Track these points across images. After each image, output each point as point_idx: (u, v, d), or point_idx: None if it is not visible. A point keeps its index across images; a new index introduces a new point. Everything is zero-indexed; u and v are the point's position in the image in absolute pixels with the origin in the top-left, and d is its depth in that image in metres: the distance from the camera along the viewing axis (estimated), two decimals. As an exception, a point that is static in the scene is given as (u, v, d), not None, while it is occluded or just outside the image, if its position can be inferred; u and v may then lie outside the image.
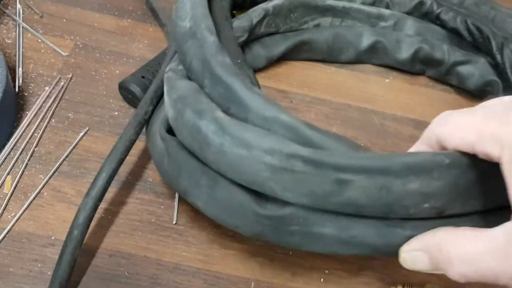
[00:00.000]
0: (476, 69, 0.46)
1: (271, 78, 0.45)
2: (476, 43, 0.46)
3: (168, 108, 0.30)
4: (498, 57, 0.43)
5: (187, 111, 0.27)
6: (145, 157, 0.35)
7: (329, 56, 0.47)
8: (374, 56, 0.48)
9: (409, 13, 0.48)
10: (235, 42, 0.36)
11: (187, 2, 0.33)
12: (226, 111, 0.27)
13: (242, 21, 0.40)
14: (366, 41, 0.46)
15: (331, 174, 0.23)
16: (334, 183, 0.23)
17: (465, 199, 0.24)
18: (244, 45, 0.42)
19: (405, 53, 0.47)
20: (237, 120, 0.26)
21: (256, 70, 0.44)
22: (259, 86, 0.35)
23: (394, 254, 0.25)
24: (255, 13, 0.41)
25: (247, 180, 0.25)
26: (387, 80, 0.48)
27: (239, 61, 0.33)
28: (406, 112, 0.45)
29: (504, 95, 0.43)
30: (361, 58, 0.48)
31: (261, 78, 0.44)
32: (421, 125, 0.44)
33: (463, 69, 0.46)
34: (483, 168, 0.23)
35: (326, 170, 0.23)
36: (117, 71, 0.41)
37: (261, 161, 0.24)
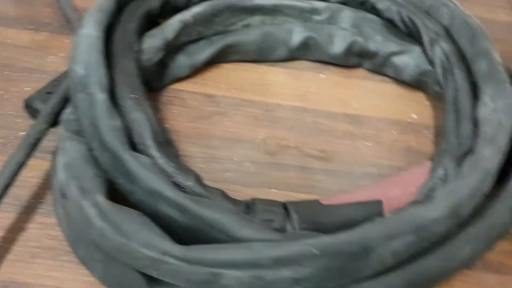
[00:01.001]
0: (411, 59, 0.44)
1: (198, 83, 0.43)
2: (410, 34, 0.44)
3: (59, 170, 0.29)
4: (430, 53, 0.42)
5: (72, 186, 0.27)
6: (48, 177, 0.33)
7: (260, 56, 0.45)
8: (307, 53, 0.46)
9: (345, 2, 0.46)
10: (134, 75, 0.33)
11: (82, 42, 0.32)
12: (113, 180, 0.27)
13: (155, 40, 0.38)
14: (296, 38, 0.45)
15: (204, 268, 0.24)
16: (208, 275, 0.24)
17: (340, 277, 0.25)
18: (166, 56, 0.40)
19: (338, 47, 0.45)
20: (117, 206, 0.26)
21: (181, 78, 0.42)
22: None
23: None
24: (169, 27, 0.39)
25: (132, 265, 0.25)
26: (322, 76, 0.46)
27: (135, 96, 0.32)
28: (341, 108, 0.43)
29: (440, 86, 0.41)
30: (294, 55, 0.46)
31: (187, 83, 0.43)
32: (356, 120, 0.43)
33: (398, 60, 0.44)
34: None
35: (198, 265, 0.24)
36: (29, 88, 0.39)
37: (139, 251, 0.24)
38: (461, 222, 0.28)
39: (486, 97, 0.35)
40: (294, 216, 0.30)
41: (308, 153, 0.39)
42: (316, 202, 0.32)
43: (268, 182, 0.37)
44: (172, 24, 0.38)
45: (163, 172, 0.28)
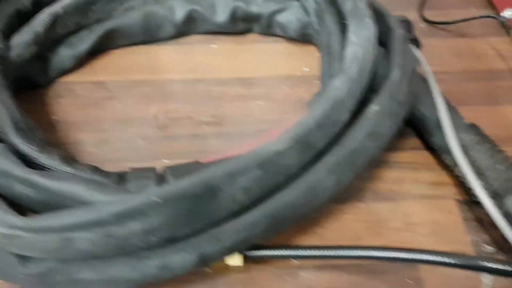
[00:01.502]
0: (292, 15, 0.45)
1: (87, 72, 0.43)
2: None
3: None
4: (305, 4, 0.43)
5: None
6: None
7: (147, 37, 0.46)
8: (194, 26, 0.46)
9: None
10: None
11: None
12: None
13: (23, 35, 0.38)
14: (179, 13, 0.45)
15: (54, 235, 0.24)
16: (60, 241, 0.24)
17: (192, 221, 0.26)
18: (43, 50, 0.40)
19: (222, 15, 0.46)
20: None
21: (68, 70, 0.43)
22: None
23: (153, 281, 0.27)
24: (38, 21, 0.38)
25: None
26: (213, 46, 0.47)
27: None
28: (232, 73, 0.44)
29: (320, 36, 0.42)
30: (182, 31, 0.46)
31: (76, 74, 0.43)
32: (248, 82, 0.43)
33: (281, 18, 0.45)
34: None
35: (47, 233, 0.24)
36: None
37: None
38: (317, 153, 0.29)
39: (351, 34, 0.36)
40: (170, 178, 0.31)
41: (200, 121, 0.40)
42: (196, 163, 0.33)
43: (159, 154, 0.37)
44: (41, 18, 0.39)
45: (21, 156, 0.28)
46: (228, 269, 0.31)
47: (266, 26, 0.46)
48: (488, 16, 0.48)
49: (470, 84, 0.44)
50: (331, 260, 0.32)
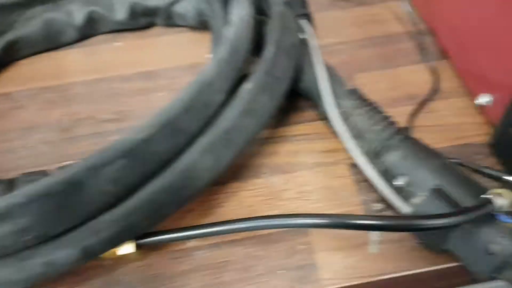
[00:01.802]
0: (189, 4, 0.46)
1: (-7, 86, 0.44)
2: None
3: None
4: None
5: None
6: None
7: (50, 43, 0.46)
8: (96, 27, 0.47)
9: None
10: None
11: None
12: None
13: None
14: (78, 16, 0.46)
15: None
16: None
17: (65, 217, 0.27)
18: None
19: (121, 13, 0.46)
20: None
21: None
22: None
23: (42, 279, 0.28)
24: None
25: None
26: (117, 44, 0.47)
27: None
28: (136, 69, 0.45)
29: (212, 21, 0.43)
30: (85, 33, 0.47)
31: (-18, 89, 0.43)
32: (151, 76, 0.44)
33: (179, 8, 0.46)
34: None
35: None
36: None
37: None
38: (191, 136, 0.30)
39: (230, 16, 0.37)
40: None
41: (103, 119, 0.41)
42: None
43: (62, 157, 0.38)
44: None
45: None
46: (124, 258, 0.32)
47: (167, 18, 0.47)
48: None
49: (368, 51, 0.45)
50: (226, 236, 0.33)
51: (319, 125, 0.39)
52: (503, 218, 0.27)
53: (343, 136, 0.34)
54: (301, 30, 0.41)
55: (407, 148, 0.32)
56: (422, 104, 0.40)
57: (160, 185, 0.29)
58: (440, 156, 0.31)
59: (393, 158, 0.32)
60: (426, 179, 0.30)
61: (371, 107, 0.35)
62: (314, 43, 0.39)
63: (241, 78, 0.34)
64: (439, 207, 0.28)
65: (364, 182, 0.35)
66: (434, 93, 0.41)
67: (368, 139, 0.33)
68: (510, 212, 0.27)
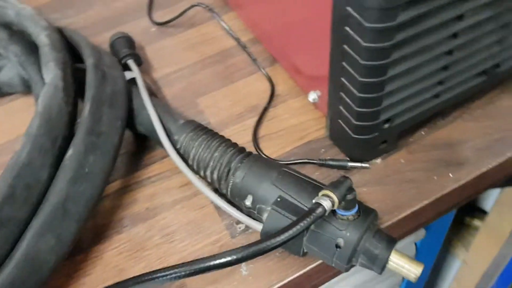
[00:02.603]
0: (10, 71, 0.44)
1: None
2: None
3: None
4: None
5: None
6: None
7: None
8: None
9: None
10: None
11: None
12: None
13: None
14: None
15: None
16: None
17: None
18: None
19: None
20: None
21: None
22: None
23: None
24: None
25: None
26: None
27: None
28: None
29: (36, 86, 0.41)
30: None
31: None
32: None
33: (2, 77, 0.44)
34: None
35: None
36: None
37: None
38: (25, 222, 0.29)
39: (44, 80, 0.35)
40: None
41: None
42: None
43: None
44: None
45: None
46: None
47: (-5, 89, 0.44)
48: (203, 5, 0.50)
49: (206, 72, 0.46)
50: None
51: (171, 161, 0.39)
52: (340, 212, 0.29)
53: (187, 173, 0.34)
54: (130, 70, 0.41)
55: (247, 167, 0.33)
56: (263, 113, 0.41)
57: (6, 279, 0.27)
58: (278, 166, 0.33)
59: (237, 180, 0.33)
60: (269, 193, 0.31)
61: (209, 135, 0.35)
62: (141, 83, 0.39)
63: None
64: (284, 218, 0.29)
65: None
66: (273, 99, 0.42)
67: (212, 167, 0.34)
68: (343, 205, 0.28)
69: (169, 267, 0.28)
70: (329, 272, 0.34)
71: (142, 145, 0.41)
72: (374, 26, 0.28)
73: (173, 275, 0.28)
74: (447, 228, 0.56)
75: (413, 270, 0.28)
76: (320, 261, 0.32)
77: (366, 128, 0.34)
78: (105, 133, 0.33)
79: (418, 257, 0.56)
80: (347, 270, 0.30)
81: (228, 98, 0.44)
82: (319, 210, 0.27)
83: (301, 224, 0.27)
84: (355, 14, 0.28)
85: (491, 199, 0.65)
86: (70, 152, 0.31)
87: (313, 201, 0.28)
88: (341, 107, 0.34)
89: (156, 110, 0.36)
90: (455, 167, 0.36)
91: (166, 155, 0.39)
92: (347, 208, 0.29)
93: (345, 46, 0.30)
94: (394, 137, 0.36)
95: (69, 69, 0.36)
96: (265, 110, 0.41)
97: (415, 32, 0.29)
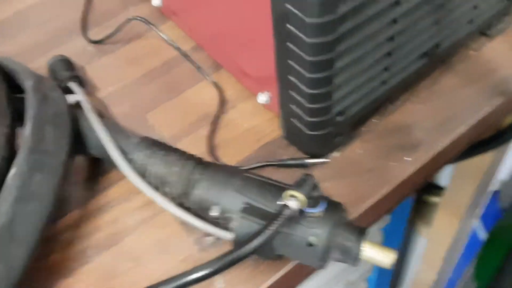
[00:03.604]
0: None
1: None
2: None
3: None
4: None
5: None
6: None
7: None
8: None
9: None
10: None
11: None
12: None
13: None
14: None
15: None
16: None
17: None
18: None
19: None
20: None
21: None
22: None
23: None
24: None
25: None
26: None
27: None
28: None
29: None
30: None
31: None
32: None
33: None
34: None
35: None
36: None
37: None
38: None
39: None
40: None
41: None
42: None
43: None
44: None
45: None
46: None
47: None
48: (139, 18, 0.48)
49: (151, 86, 0.45)
50: None
51: (129, 182, 0.38)
52: (308, 210, 0.29)
53: (147, 192, 0.33)
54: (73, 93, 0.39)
55: (208, 178, 0.32)
56: (216, 121, 0.41)
57: None
58: (239, 172, 0.32)
59: (200, 191, 0.32)
60: (234, 201, 0.31)
61: (165, 150, 0.34)
62: (86, 105, 0.37)
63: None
64: (253, 224, 0.29)
65: (189, 221, 0.35)
66: (223, 105, 0.42)
67: (172, 182, 0.33)
68: (310, 203, 0.28)
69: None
70: (306, 270, 0.34)
71: (97, 169, 0.39)
72: (315, 21, 0.28)
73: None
74: (409, 210, 0.57)
75: (386, 258, 0.28)
76: (296, 262, 0.32)
77: (320, 123, 0.34)
78: (51, 151, 0.31)
79: (385, 242, 0.57)
80: (322, 267, 0.30)
81: (177, 110, 0.43)
82: (287, 211, 0.27)
83: (271, 227, 0.27)
84: (295, 11, 0.28)
85: (444, 174, 0.67)
86: (12, 171, 0.29)
87: (279, 202, 0.28)
88: (292, 106, 0.34)
89: (106, 131, 0.35)
90: (410, 150, 0.37)
91: (123, 177, 0.38)
92: (314, 205, 0.29)
93: (289, 44, 0.30)
94: (348, 129, 0.37)
95: (2, 91, 0.34)
96: (217, 117, 0.41)
97: (356, 22, 0.30)
